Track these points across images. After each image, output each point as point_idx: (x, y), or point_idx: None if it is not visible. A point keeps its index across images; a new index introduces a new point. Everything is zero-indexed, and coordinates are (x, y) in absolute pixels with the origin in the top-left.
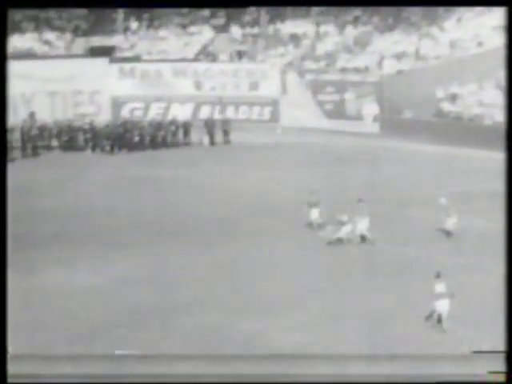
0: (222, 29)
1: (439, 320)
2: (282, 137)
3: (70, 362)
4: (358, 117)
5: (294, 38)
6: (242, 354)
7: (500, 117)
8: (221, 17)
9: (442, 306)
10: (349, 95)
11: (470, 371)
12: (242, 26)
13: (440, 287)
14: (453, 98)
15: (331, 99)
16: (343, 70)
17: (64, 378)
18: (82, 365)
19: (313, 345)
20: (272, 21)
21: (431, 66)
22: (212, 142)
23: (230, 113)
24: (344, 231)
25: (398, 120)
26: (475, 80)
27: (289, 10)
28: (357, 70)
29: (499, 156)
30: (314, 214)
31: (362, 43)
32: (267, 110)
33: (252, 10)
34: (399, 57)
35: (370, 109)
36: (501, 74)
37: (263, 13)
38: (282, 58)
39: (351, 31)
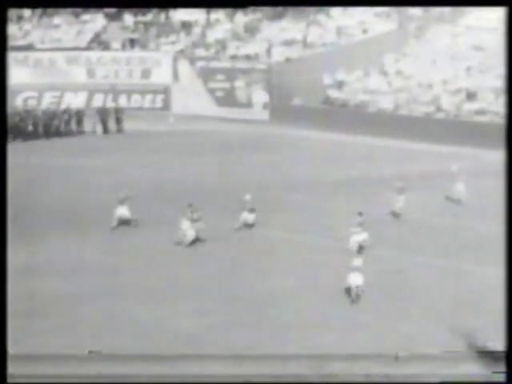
0: (115, 17)
1: (356, 296)
2: (174, 124)
3: (70, 362)
4: (248, 104)
5: (186, 26)
6: (243, 354)
7: (385, 103)
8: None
9: (355, 279)
10: (239, 83)
11: (470, 371)
12: (134, 13)
13: (357, 261)
14: (339, 84)
15: (222, 86)
16: (233, 57)
17: (64, 378)
18: (82, 365)
19: (208, 328)
20: (163, 8)
21: (319, 53)
22: (105, 131)
23: (123, 101)
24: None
25: (286, 107)
26: (361, 67)
27: None
28: (247, 58)
29: (385, 143)
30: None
31: (251, 30)
32: (159, 98)
33: None
34: (288, 44)
35: (260, 96)
36: (385, 61)
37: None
38: (173, 45)
39: (241, 18)
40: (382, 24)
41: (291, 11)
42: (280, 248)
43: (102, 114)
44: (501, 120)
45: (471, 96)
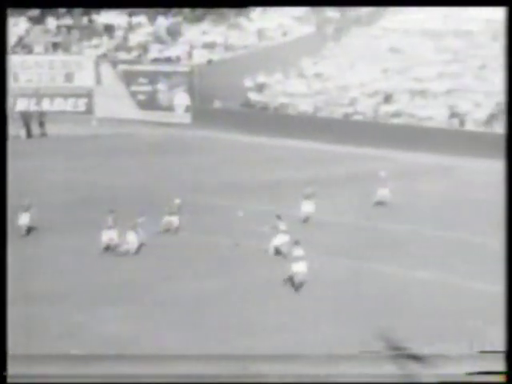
0: (37, 20)
1: (300, 283)
2: (97, 128)
3: (69, 362)
4: (170, 107)
5: (108, 29)
6: (242, 354)
7: (304, 106)
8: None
9: (299, 267)
10: (161, 86)
11: (470, 371)
12: (57, 17)
13: (297, 252)
14: (260, 87)
15: (144, 90)
16: (155, 60)
17: (64, 378)
18: (82, 365)
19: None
20: (86, 12)
21: (239, 56)
22: (29, 135)
23: (46, 105)
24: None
25: (208, 110)
26: (280, 69)
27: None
28: (169, 61)
29: (305, 145)
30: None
31: (173, 33)
32: (82, 102)
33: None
34: (209, 47)
35: (182, 99)
36: (303, 63)
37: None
38: (96, 49)
39: (163, 22)
40: (301, 27)
41: (212, 14)
42: (203, 251)
43: (26, 118)
44: (416, 122)
45: (388, 98)
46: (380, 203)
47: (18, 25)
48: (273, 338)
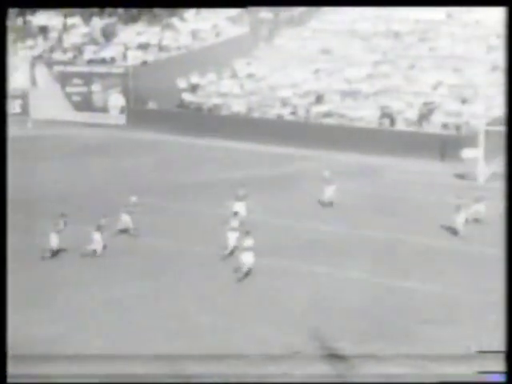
0: None
1: (245, 274)
2: (33, 129)
3: (70, 362)
4: (105, 108)
5: (43, 30)
6: (243, 354)
7: (237, 107)
8: None
9: (247, 258)
10: (96, 87)
11: (470, 371)
12: None
13: (248, 242)
14: (193, 88)
15: (79, 91)
16: (90, 61)
17: (64, 378)
18: (82, 365)
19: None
20: (21, 12)
21: (173, 57)
22: None
23: None
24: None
25: (143, 111)
26: (214, 70)
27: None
28: (103, 62)
29: (239, 145)
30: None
31: (107, 35)
32: (17, 103)
33: None
34: (143, 48)
35: (117, 100)
36: (236, 64)
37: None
38: (31, 50)
39: (97, 23)
40: (235, 28)
41: (146, 15)
42: (141, 251)
43: None
44: (348, 122)
45: (319, 99)
46: (328, 203)
47: None
48: (207, 339)
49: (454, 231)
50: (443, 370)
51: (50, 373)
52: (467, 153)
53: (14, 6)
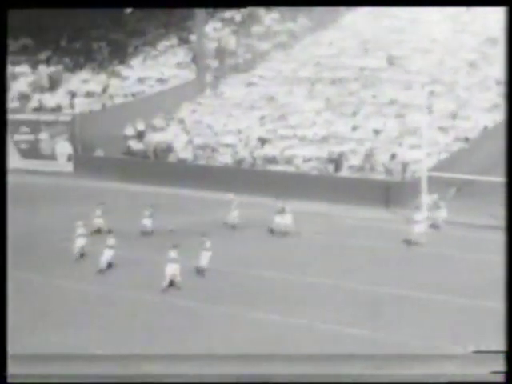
0: None
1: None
2: None
3: (69, 362)
4: (53, 156)
5: None
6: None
7: (184, 154)
8: None
9: (172, 269)
10: (43, 135)
11: (470, 371)
12: None
13: (173, 254)
14: (140, 135)
15: (26, 139)
16: (37, 109)
17: (64, 378)
18: (82, 365)
19: None
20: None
21: (120, 104)
22: None
23: None
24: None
25: (90, 158)
26: (160, 117)
27: None
28: (51, 110)
29: (186, 192)
30: None
31: (54, 82)
32: None
33: None
34: (89, 95)
35: (64, 148)
36: (183, 111)
37: None
38: None
39: (44, 70)
40: (181, 74)
41: (92, 62)
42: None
43: None
44: (293, 168)
45: (264, 145)
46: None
47: None
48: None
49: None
50: (443, 370)
51: (50, 373)
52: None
53: (14, 6)
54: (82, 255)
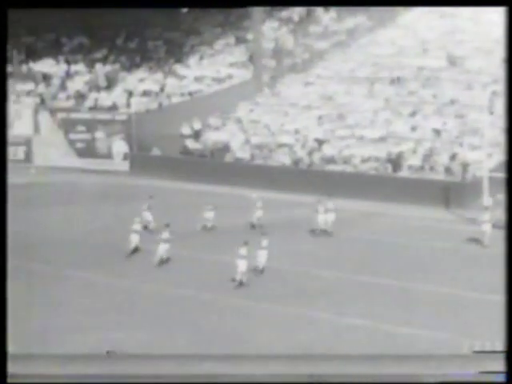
0: None
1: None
2: (36, 176)
3: (69, 362)
4: (109, 155)
5: (46, 77)
6: (243, 354)
7: (241, 153)
8: None
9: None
10: (99, 134)
11: (470, 371)
12: None
13: (243, 251)
14: (197, 134)
15: (82, 138)
16: (93, 108)
17: (64, 378)
18: (82, 365)
19: None
20: (25, 60)
21: (177, 104)
22: None
23: None
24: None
25: (146, 157)
26: (217, 116)
27: (40, 48)
28: (107, 109)
29: (242, 192)
30: None
31: (110, 81)
32: (21, 150)
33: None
34: (146, 94)
35: (120, 147)
36: (240, 110)
37: (15, 53)
38: (34, 97)
39: (100, 69)
40: (238, 74)
41: (148, 61)
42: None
43: None
44: (351, 168)
45: (322, 145)
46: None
47: None
48: None
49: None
50: (443, 370)
51: (50, 373)
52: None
53: (14, 6)
54: (135, 250)
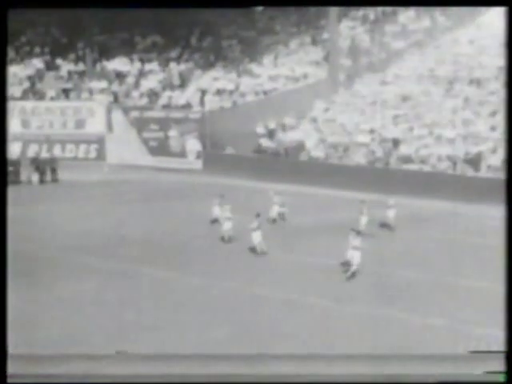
0: (49, 66)
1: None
2: (109, 174)
3: (69, 362)
4: (182, 153)
5: (119, 75)
6: (244, 353)
7: (315, 152)
8: (46, 54)
9: (356, 257)
10: (172, 132)
11: (470, 371)
12: (68, 63)
13: (356, 241)
14: (271, 133)
15: (155, 136)
16: (166, 106)
17: (64, 378)
18: (82, 365)
19: None
20: (98, 58)
21: (251, 102)
22: (41, 180)
23: (57, 151)
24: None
25: (220, 156)
26: (292, 115)
27: (114, 47)
28: (180, 107)
29: (317, 191)
30: None
31: (184, 80)
32: (93, 148)
33: (79, 46)
34: (220, 93)
35: (193, 145)
36: (315, 109)
37: (88, 51)
38: (107, 95)
39: (174, 68)
40: (313, 73)
41: (223, 60)
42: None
43: (37, 163)
44: (428, 168)
45: (399, 145)
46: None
47: (29, 67)
48: None
49: None
50: (443, 370)
51: (50, 373)
52: None
53: (14, 6)
54: (229, 239)
